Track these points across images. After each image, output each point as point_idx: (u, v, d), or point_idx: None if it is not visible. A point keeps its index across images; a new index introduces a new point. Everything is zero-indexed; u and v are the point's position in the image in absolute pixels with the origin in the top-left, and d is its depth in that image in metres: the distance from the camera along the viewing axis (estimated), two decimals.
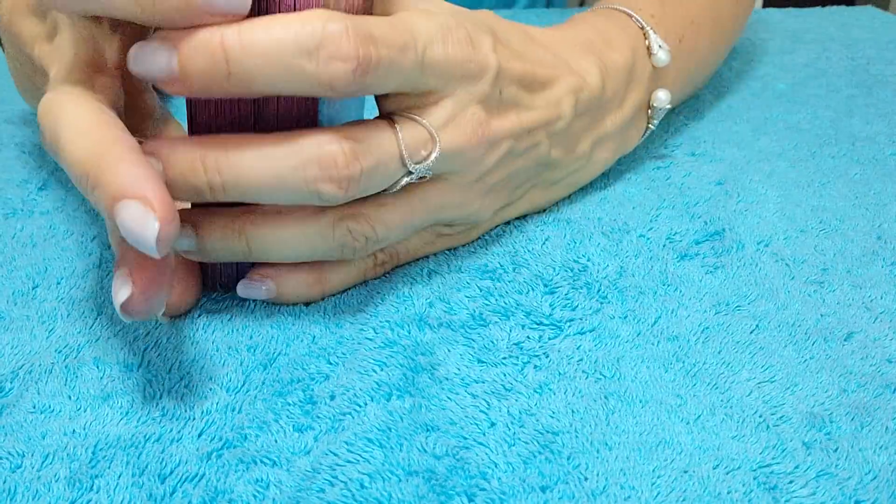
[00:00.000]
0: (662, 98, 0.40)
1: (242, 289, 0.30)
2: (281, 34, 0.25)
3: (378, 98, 0.29)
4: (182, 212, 0.28)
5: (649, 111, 0.40)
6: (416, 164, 0.28)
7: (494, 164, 0.31)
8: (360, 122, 0.28)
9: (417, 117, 0.29)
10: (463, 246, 0.34)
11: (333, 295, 0.31)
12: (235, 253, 0.28)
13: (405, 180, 0.29)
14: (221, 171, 0.26)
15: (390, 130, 0.28)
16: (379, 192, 0.29)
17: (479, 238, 0.35)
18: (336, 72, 0.25)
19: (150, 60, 0.25)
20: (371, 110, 0.30)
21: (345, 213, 0.29)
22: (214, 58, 0.24)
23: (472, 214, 0.32)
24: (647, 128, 0.41)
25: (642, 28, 0.39)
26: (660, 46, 0.39)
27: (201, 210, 0.28)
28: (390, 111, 0.29)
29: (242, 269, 0.31)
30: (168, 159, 0.26)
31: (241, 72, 0.25)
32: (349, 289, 0.32)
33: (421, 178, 0.29)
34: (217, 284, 0.31)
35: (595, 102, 0.36)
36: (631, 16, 0.40)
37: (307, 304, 0.31)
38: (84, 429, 0.25)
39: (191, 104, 0.28)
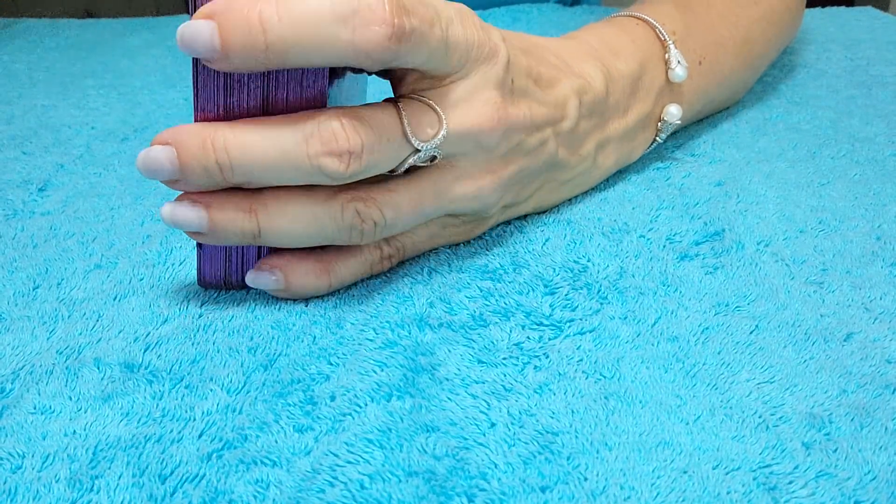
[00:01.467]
0: (674, 113, 0.40)
1: (252, 278, 0.30)
2: (316, 3, 0.25)
3: (394, 82, 0.30)
4: (194, 193, 0.28)
5: (659, 124, 0.40)
6: (423, 142, 0.28)
7: (505, 152, 0.31)
8: (365, 104, 0.29)
9: (425, 98, 0.29)
10: (463, 246, 0.34)
11: (339, 289, 0.31)
12: (245, 233, 0.28)
13: (412, 159, 0.29)
14: (229, 150, 0.27)
15: (393, 109, 0.28)
16: (389, 177, 0.29)
17: (480, 238, 0.35)
18: (372, 37, 0.26)
19: (195, 39, 0.26)
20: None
21: (354, 195, 0.29)
22: (252, 30, 0.25)
23: (482, 206, 0.32)
24: (655, 140, 0.41)
25: (664, 41, 0.40)
26: (679, 62, 0.39)
27: (214, 192, 0.28)
28: (402, 94, 0.30)
29: (251, 264, 0.31)
30: (180, 143, 0.27)
31: (277, 42, 0.26)
32: (354, 283, 0.32)
33: (431, 158, 0.29)
34: (225, 282, 0.32)
35: (599, 105, 0.36)
36: (654, 27, 0.40)
37: (312, 298, 0.31)
38: (84, 429, 0.25)
39: (198, 100, 0.28)
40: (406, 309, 0.30)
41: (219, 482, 0.23)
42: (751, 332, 0.29)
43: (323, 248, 0.31)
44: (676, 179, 0.41)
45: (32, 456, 0.24)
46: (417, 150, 0.29)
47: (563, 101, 0.34)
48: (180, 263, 0.34)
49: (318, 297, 0.31)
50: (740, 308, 0.31)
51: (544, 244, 0.35)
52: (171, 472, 0.23)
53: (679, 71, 0.39)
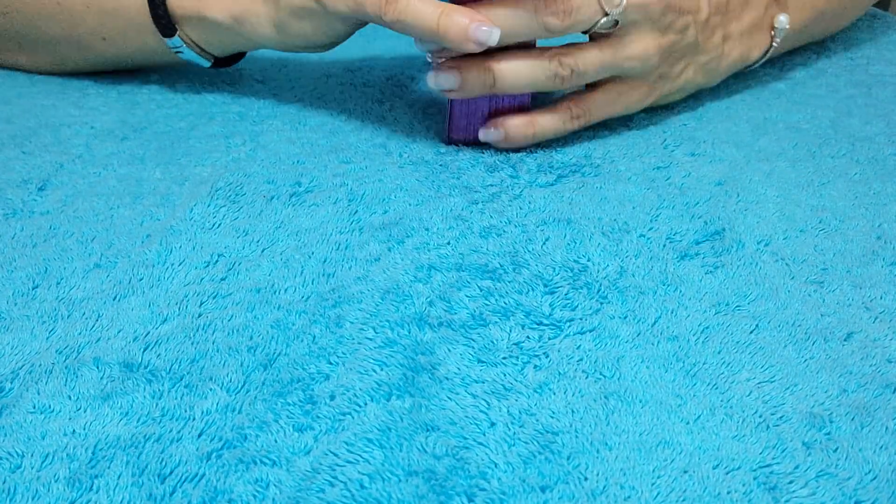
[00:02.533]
0: (783, 20, 0.51)
1: (483, 134, 0.43)
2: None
3: None
4: (448, 60, 0.41)
5: (772, 31, 0.51)
6: (612, 8, 0.40)
7: (662, 27, 0.43)
8: None
9: None
10: (463, 245, 0.34)
11: (542, 141, 0.44)
12: (484, 84, 0.42)
13: (603, 20, 0.41)
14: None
15: None
16: (582, 43, 0.42)
17: (480, 237, 0.35)
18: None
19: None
20: None
21: (558, 51, 0.42)
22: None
23: (645, 67, 0.44)
24: (771, 45, 0.51)
25: None
26: None
27: (461, 57, 0.41)
28: None
29: (474, 127, 0.44)
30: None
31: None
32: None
33: (614, 24, 0.41)
34: (450, 138, 0.44)
35: (723, 6, 0.47)
36: None
37: (521, 148, 0.43)
38: (84, 429, 0.25)
39: None
40: (406, 308, 0.30)
41: (218, 482, 0.23)
42: (751, 332, 0.29)
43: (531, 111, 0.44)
44: (676, 179, 0.41)
45: (32, 455, 0.24)
46: (607, 14, 0.40)
47: None
48: (180, 263, 0.34)
49: (524, 148, 0.44)
50: (740, 307, 0.31)
51: (544, 244, 0.35)
52: (171, 472, 0.23)
53: None
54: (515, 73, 0.42)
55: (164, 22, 0.48)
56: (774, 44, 0.51)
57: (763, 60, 0.52)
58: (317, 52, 0.51)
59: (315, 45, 0.47)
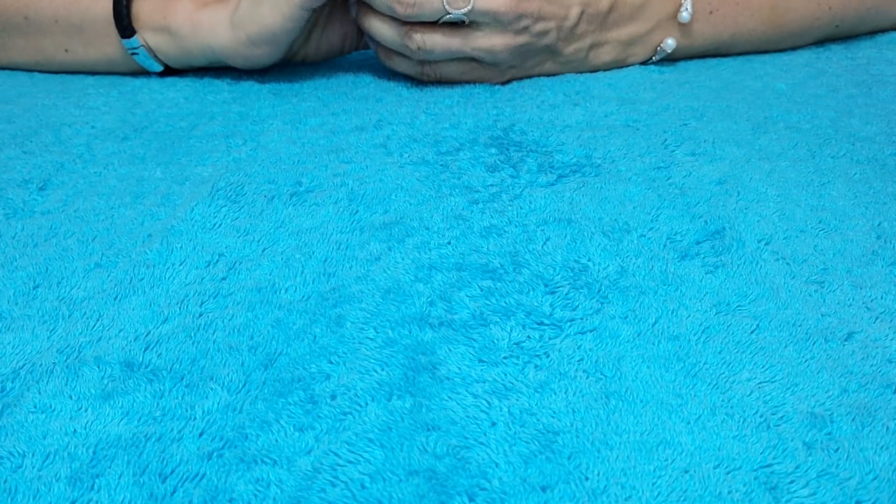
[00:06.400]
0: (669, 43, 0.54)
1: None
2: None
3: None
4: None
5: (658, 48, 0.54)
6: (454, 10, 0.46)
7: (516, 30, 0.48)
8: None
9: None
10: (463, 245, 0.34)
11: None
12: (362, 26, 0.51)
13: (447, 18, 0.47)
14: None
15: None
16: (436, 24, 0.48)
17: (480, 237, 0.35)
18: None
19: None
20: None
21: (412, 27, 0.48)
22: None
23: (494, 60, 0.49)
24: (651, 59, 0.55)
25: None
26: (686, 8, 0.53)
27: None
28: None
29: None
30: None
31: None
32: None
33: (461, 21, 0.47)
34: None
35: (599, 17, 0.51)
36: None
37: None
38: (85, 428, 0.25)
39: None
40: (406, 308, 0.30)
41: (219, 481, 0.23)
42: (751, 332, 0.29)
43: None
44: (677, 178, 0.41)
45: (33, 455, 0.24)
46: (448, 13, 0.46)
47: (568, 5, 0.49)
48: (181, 263, 0.34)
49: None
50: (741, 307, 0.31)
51: (544, 244, 0.35)
52: (172, 471, 0.23)
53: (683, 14, 0.53)
54: (378, 29, 0.49)
55: (125, 23, 0.52)
56: (653, 59, 0.55)
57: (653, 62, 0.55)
58: (271, 58, 0.53)
59: (270, 35, 0.50)
